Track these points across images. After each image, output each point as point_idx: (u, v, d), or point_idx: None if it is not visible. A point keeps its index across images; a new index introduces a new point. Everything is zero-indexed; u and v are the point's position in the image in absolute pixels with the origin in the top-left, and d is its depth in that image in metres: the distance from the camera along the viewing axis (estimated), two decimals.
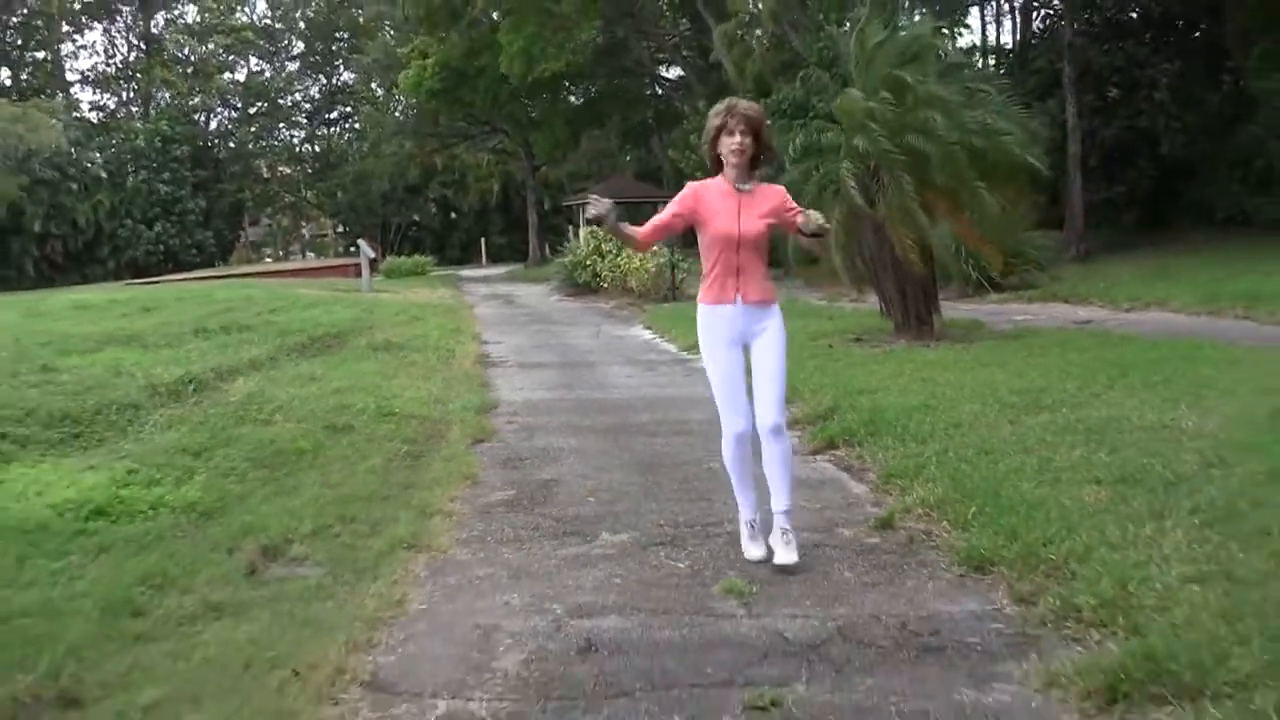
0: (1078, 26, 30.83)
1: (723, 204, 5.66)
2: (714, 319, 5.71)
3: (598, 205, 5.41)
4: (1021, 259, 21.63)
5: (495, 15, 41.96)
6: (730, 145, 5.57)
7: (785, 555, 5.47)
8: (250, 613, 4.91)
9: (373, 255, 35.12)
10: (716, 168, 5.77)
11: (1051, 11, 36.05)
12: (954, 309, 17.63)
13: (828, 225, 5.64)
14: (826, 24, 24.58)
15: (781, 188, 5.94)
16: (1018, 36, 38.64)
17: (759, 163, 5.81)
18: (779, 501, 5.57)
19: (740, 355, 5.70)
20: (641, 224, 5.83)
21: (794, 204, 5.75)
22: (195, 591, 5.17)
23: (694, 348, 13.00)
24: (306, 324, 16.72)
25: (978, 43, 39.36)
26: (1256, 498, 5.65)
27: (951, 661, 4.24)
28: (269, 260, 70.61)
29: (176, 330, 14.85)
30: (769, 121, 6.02)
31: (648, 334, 18.68)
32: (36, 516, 6.19)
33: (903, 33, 15.30)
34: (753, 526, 5.74)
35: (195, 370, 11.16)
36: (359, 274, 35.82)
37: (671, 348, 16.18)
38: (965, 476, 6.61)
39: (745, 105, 5.74)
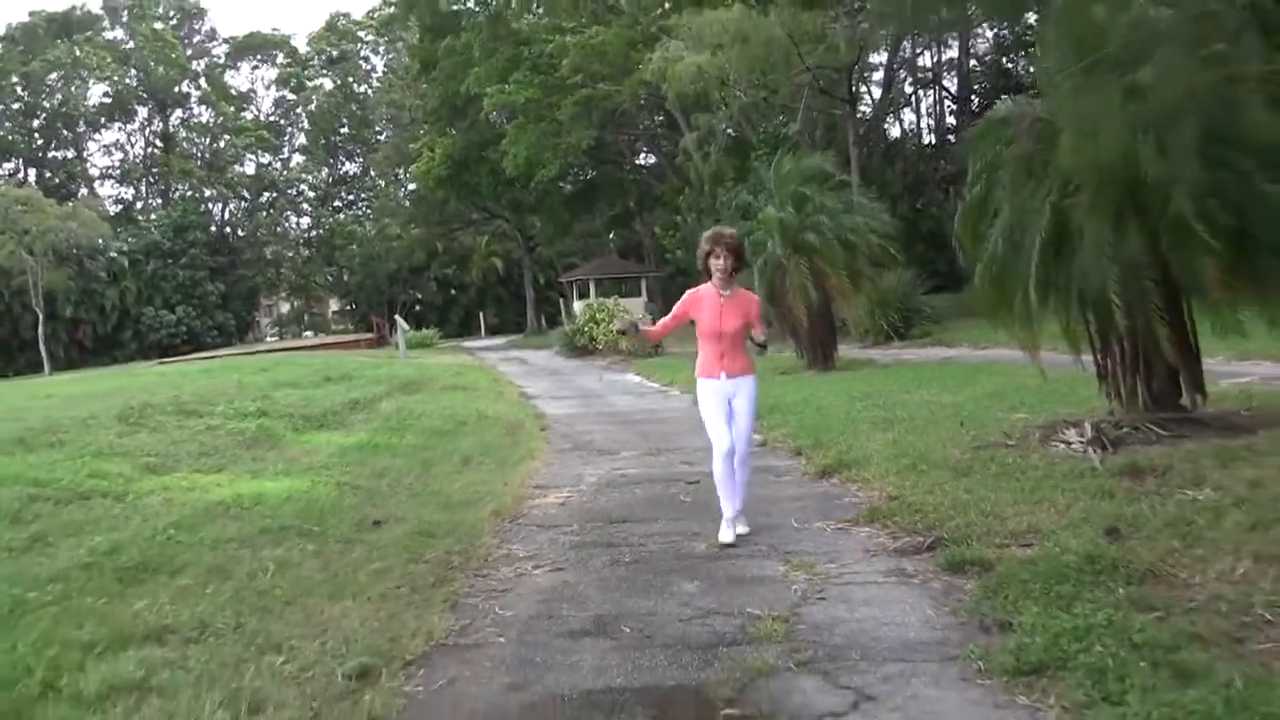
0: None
1: (710, 307, 7.74)
2: (707, 388, 7.88)
3: (622, 322, 8.60)
4: (918, 314, 28.44)
5: (497, 118, 48.19)
6: (717, 266, 7.69)
7: (726, 535, 7.66)
8: (472, 473, 11.28)
9: (407, 330, 41.53)
10: (706, 275, 7.81)
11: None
12: (862, 352, 24.54)
13: (764, 342, 8.16)
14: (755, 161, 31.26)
15: (755, 297, 8.31)
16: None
17: (738, 270, 7.94)
18: (731, 507, 7.76)
19: (726, 406, 7.78)
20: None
21: (758, 309, 8.04)
22: (438, 467, 11.54)
23: (671, 384, 19.97)
24: (387, 376, 23.10)
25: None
26: (926, 420, 12.11)
27: (778, 475, 10.56)
28: (287, 338, 76.03)
29: (305, 380, 21.15)
30: (742, 241, 8.21)
31: (637, 378, 25.16)
32: (341, 445, 12.65)
33: (804, 162, 22.17)
34: (730, 523, 7.73)
35: (354, 398, 17.67)
36: (371, 346, 42.59)
37: (655, 385, 22.65)
38: (808, 424, 12.99)
39: (728, 235, 7.92)
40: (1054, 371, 11.45)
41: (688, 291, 8.05)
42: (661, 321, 8.23)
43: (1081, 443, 9.77)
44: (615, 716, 4.56)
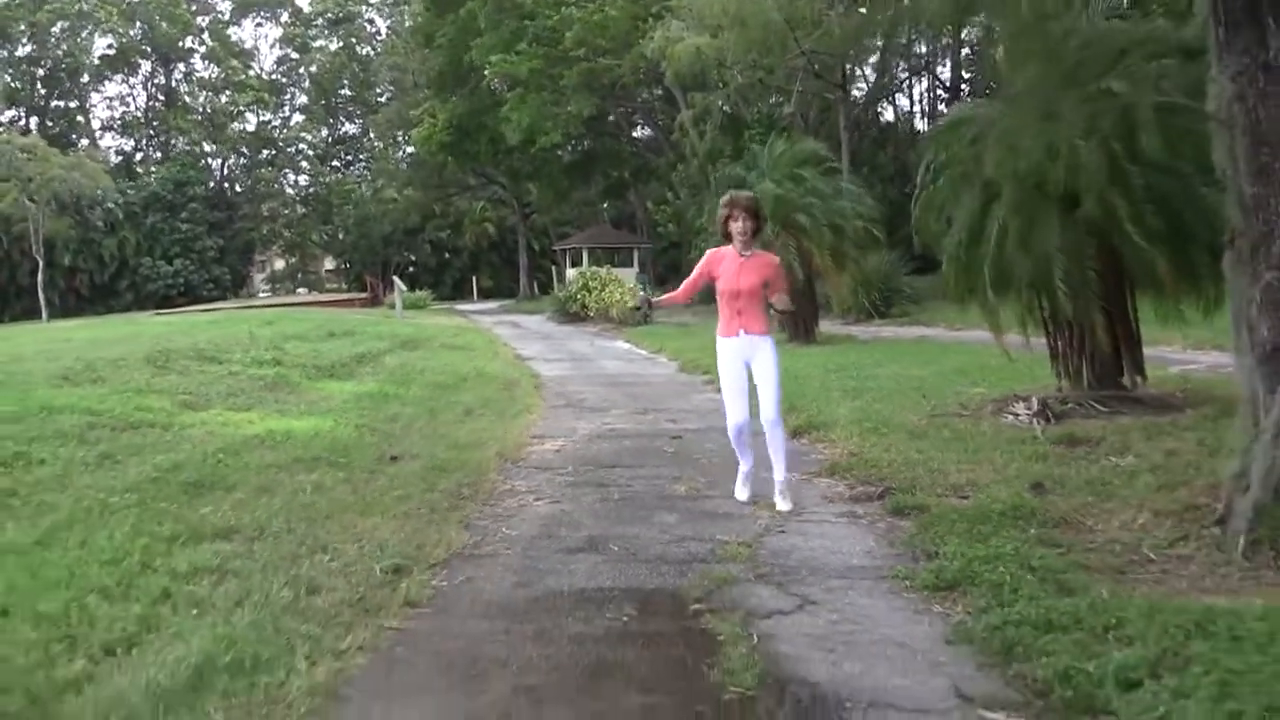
0: None
1: (729, 267, 7.60)
2: (725, 347, 7.76)
3: (637, 299, 9.24)
4: (899, 295, 29.49)
5: (498, 86, 48.87)
6: (737, 230, 7.56)
7: (782, 504, 7.61)
8: (475, 422, 12.32)
9: (405, 290, 42.45)
10: (726, 239, 7.69)
11: None
12: (843, 329, 25.62)
13: (791, 308, 7.96)
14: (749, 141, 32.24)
15: (776, 259, 8.02)
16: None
17: (759, 231, 7.78)
18: (778, 473, 7.67)
19: (743, 370, 7.69)
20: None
21: (780, 274, 7.84)
22: (444, 416, 12.59)
23: (659, 351, 21.02)
24: (388, 334, 24.12)
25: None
26: (892, 391, 13.19)
27: (754, 434, 11.60)
28: (280, 294, 76.66)
29: (310, 334, 22.13)
30: (759, 203, 8.11)
31: (626, 345, 26.17)
32: (354, 393, 13.69)
33: (799, 145, 23.20)
34: (746, 476, 7.95)
35: (359, 351, 18.68)
36: (365, 305, 43.72)
37: (643, 352, 23.66)
38: (785, 391, 13.56)
39: (744, 198, 7.79)
40: (1017, 353, 12.50)
41: (708, 251, 7.99)
42: (685, 283, 8.09)
43: (1028, 415, 10.86)
44: (605, 607, 5.61)
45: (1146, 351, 12.03)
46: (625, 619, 5.44)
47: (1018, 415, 10.98)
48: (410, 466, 9.15)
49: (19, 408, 9.95)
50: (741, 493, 7.97)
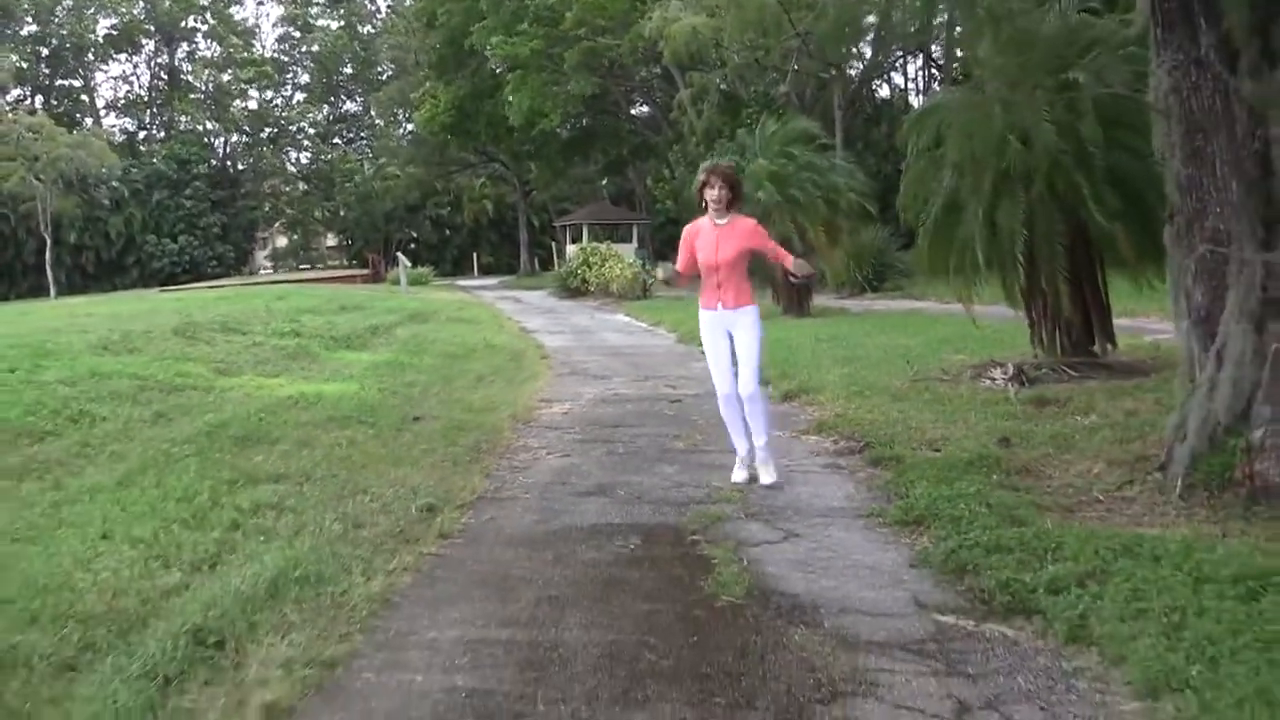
0: None
1: (706, 238, 7.53)
2: (705, 319, 7.74)
3: (665, 271, 8.39)
4: (891, 269, 30.29)
5: (499, 70, 49.60)
6: (710, 196, 7.48)
7: (766, 476, 7.66)
8: (487, 388, 13.12)
9: (409, 266, 43.22)
10: (703, 210, 7.62)
11: None
12: (836, 302, 26.50)
13: (813, 272, 7.94)
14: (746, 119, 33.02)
15: (752, 220, 7.83)
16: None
17: (735, 203, 7.66)
18: (757, 439, 7.68)
19: (726, 342, 7.61)
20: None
21: (764, 233, 7.79)
22: (458, 381, 13.39)
23: (658, 324, 21.84)
24: (397, 308, 24.92)
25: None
26: (879, 359, 13.99)
27: None
28: (282, 271, 77.22)
29: (322, 308, 22.91)
30: (738, 173, 8.15)
31: (626, 318, 27.00)
32: (371, 362, 14.50)
33: (789, 124, 23.99)
34: (742, 462, 7.82)
35: (372, 324, 19.50)
36: (367, 282, 44.56)
37: (643, 325, 24.50)
38: (778, 359, 14.71)
39: (724, 165, 7.86)
40: (1001, 323, 13.31)
41: (685, 228, 7.89)
42: (677, 266, 7.97)
43: (1003, 379, 11.68)
44: (614, 538, 6.43)
45: (1127, 322, 12.92)
46: (632, 547, 6.27)
47: (994, 380, 11.78)
48: (432, 425, 9.95)
49: (71, 373, 10.79)
50: (738, 475, 7.83)
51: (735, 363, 7.68)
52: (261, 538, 6.06)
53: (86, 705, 3.88)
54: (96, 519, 6.24)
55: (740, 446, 7.84)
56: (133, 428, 8.95)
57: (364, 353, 16.16)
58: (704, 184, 7.59)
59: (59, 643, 4.44)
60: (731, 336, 7.66)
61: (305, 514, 6.57)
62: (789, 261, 7.74)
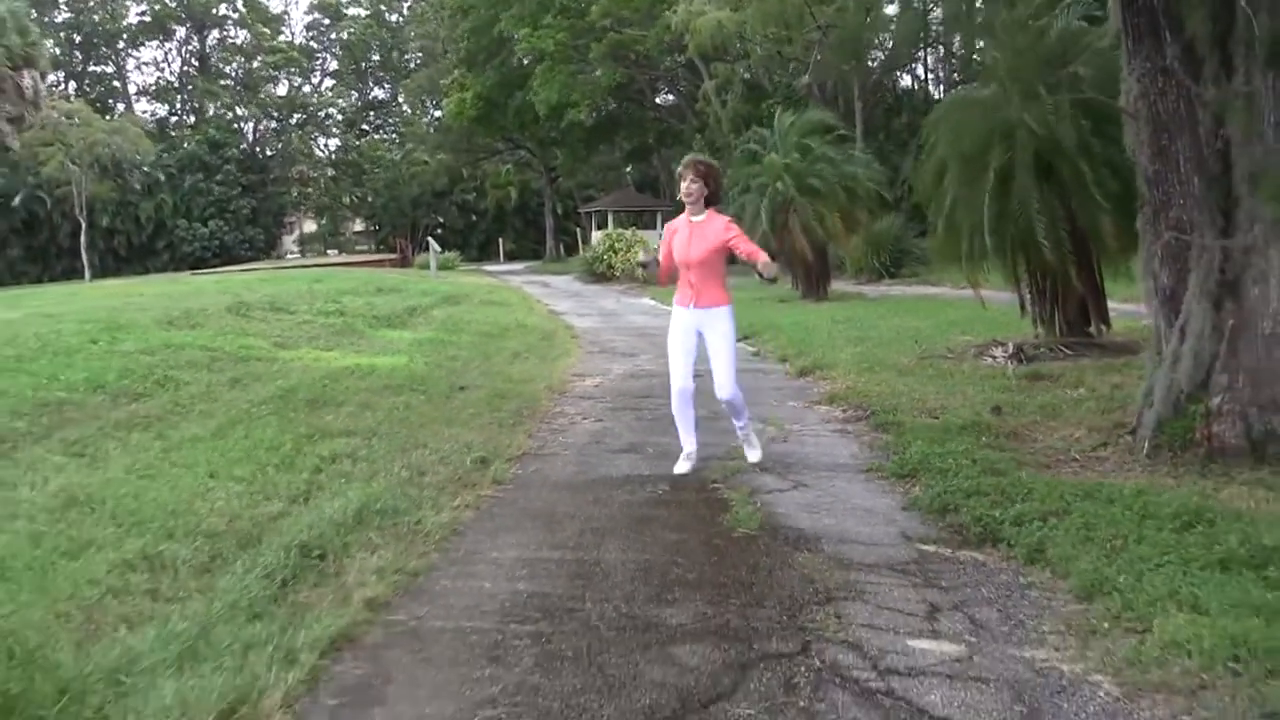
0: None
1: (680, 237, 7.48)
2: (677, 315, 7.74)
3: (645, 255, 10.97)
4: (908, 255, 31.15)
5: (527, 61, 50.49)
6: (683, 189, 7.45)
7: (752, 454, 7.91)
8: (523, 364, 14.08)
9: (440, 251, 44.21)
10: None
11: None
12: (854, 287, 27.43)
13: (779, 273, 7.77)
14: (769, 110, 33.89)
15: (725, 218, 7.62)
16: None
17: (713, 200, 7.52)
18: (737, 422, 7.91)
19: (692, 340, 7.63)
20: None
21: (735, 231, 7.51)
22: (496, 357, 14.35)
23: None
24: (430, 290, 25.90)
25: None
26: (890, 339, 14.90)
27: (766, 374, 13.34)
28: (309, 256, 78.18)
29: (360, 290, 23.87)
30: (720, 169, 7.92)
31: (651, 301, 27.94)
32: (413, 339, 15.48)
33: (807, 116, 24.88)
34: (687, 458, 7.73)
35: (410, 305, 20.50)
36: (395, 266, 45.62)
37: (667, 308, 25.03)
38: (795, 339, 15.72)
39: (701, 160, 7.59)
40: (1008, 307, 14.20)
41: (666, 225, 7.80)
42: (662, 264, 7.98)
43: (1004, 357, 12.59)
44: (645, 485, 7.40)
45: (1128, 307, 13.77)
46: (660, 492, 7.23)
47: (995, 357, 12.70)
48: (476, 394, 10.91)
49: (147, 344, 11.78)
50: (681, 468, 7.70)
51: (709, 362, 7.67)
52: (342, 479, 7.04)
53: (226, 595, 4.84)
54: (202, 462, 7.24)
55: (688, 443, 7.73)
56: (214, 390, 9.97)
57: (405, 331, 17.13)
58: (680, 176, 7.57)
59: (194, 552, 5.44)
60: (703, 336, 7.64)
61: (376, 462, 7.56)
62: (761, 259, 7.34)
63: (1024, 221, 12.23)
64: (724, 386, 7.56)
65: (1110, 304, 13.75)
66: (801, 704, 3.95)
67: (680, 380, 7.62)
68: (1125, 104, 8.14)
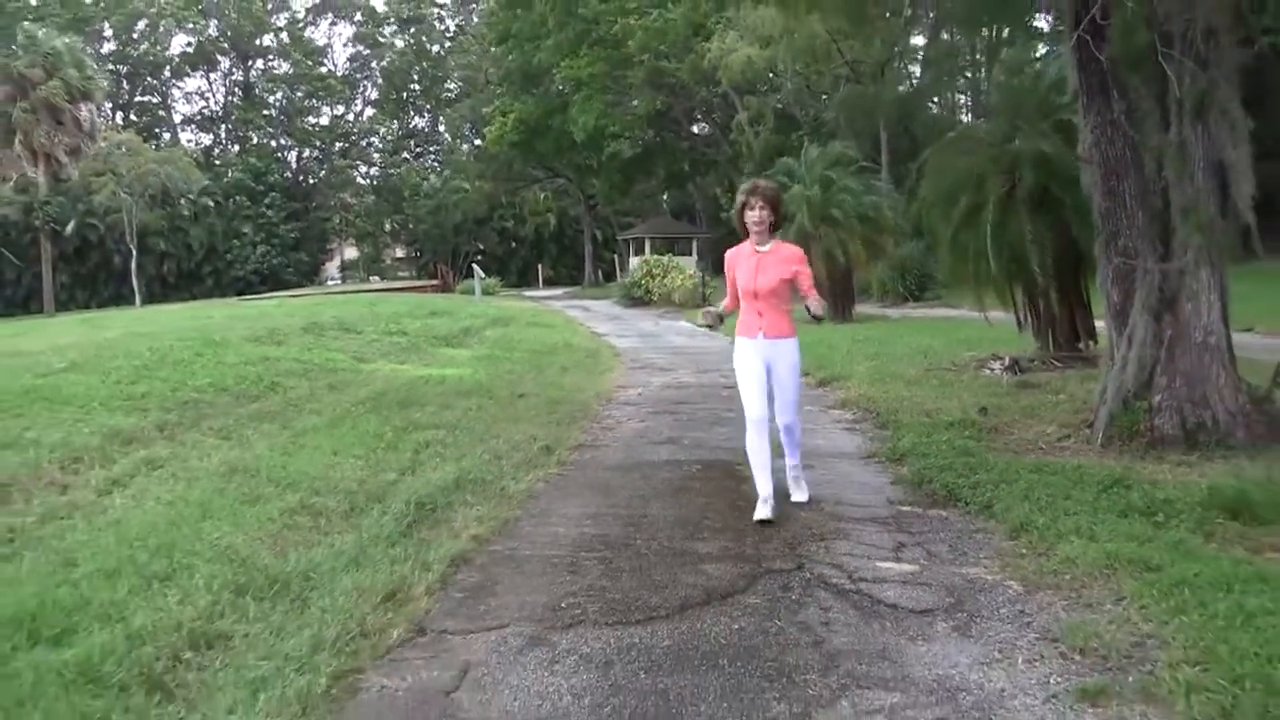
0: None
1: (746, 264, 7.17)
2: (742, 346, 7.28)
3: (708, 317, 7.60)
4: (931, 280, 32.68)
5: (566, 88, 52.37)
6: (752, 219, 7.11)
7: (798, 494, 7.74)
8: (571, 377, 15.72)
9: (484, 277, 45.98)
10: (745, 233, 7.23)
11: None
12: (878, 310, 29.12)
13: (822, 313, 6.96)
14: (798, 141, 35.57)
15: (797, 249, 7.36)
16: None
17: (777, 226, 7.26)
18: (790, 459, 7.72)
19: (762, 370, 7.19)
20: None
21: (805, 266, 7.21)
22: (547, 371, 16.02)
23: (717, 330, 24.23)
24: (479, 314, 27.60)
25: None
26: (903, 355, 16.49)
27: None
28: (351, 283, 79.82)
29: (414, 313, 25.54)
30: (781, 194, 7.65)
31: (688, 324, 29.59)
32: (471, 356, 17.18)
33: (830, 149, 26.59)
34: (765, 501, 7.15)
35: (463, 326, 22.26)
36: (437, 292, 47.40)
37: (703, 330, 27.01)
38: (818, 354, 17.23)
39: (765, 185, 7.31)
40: (1012, 325, 15.76)
41: (727, 254, 7.43)
42: (726, 297, 7.54)
43: (1000, 369, 14.16)
44: (681, 466, 9.04)
45: None
46: (695, 470, 8.88)
47: (992, 369, 14.28)
48: (534, 400, 12.59)
49: (245, 358, 13.52)
50: (761, 513, 7.11)
51: (773, 391, 7.32)
52: (437, 459, 8.76)
53: (369, 530, 6.53)
54: (324, 445, 8.96)
55: (764, 486, 7.21)
56: (316, 394, 11.74)
57: (462, 349, 18.83)
58: (744, 205, 7.19)
59: (338, 503, 7.15)
60: (770, 367, 7.25)
61: (461, 448, 9.28)
62: (814, 298, 7.03)
63: (1019, 249, 13.82)
64: (786, 413, 7.35)
65: (1099, 322, 15.29)
66: (794, 598, 5.56)
67: (756, 410, 7.18)
68: (1081, 151, 9.75)
